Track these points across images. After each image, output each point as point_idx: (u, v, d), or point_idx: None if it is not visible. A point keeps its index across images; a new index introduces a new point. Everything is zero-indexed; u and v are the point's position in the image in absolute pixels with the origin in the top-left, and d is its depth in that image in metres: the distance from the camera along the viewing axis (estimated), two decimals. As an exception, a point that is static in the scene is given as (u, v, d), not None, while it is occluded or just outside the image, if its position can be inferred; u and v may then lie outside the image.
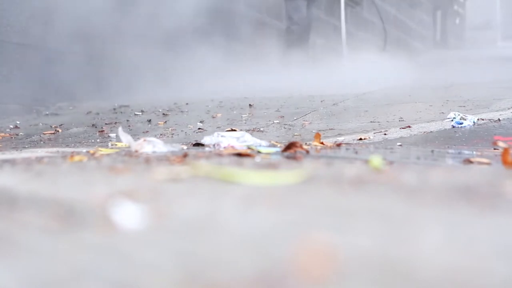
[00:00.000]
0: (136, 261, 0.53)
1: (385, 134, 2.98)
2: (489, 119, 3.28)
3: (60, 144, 3.07)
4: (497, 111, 3.62)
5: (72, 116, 4.97)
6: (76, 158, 1.52)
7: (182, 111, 4.77)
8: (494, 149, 2.17)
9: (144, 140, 1.81)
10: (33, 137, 3.64)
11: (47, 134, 3.79)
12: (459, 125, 3.12)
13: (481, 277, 0.47)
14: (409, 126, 3.16)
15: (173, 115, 4.58)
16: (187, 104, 5.21)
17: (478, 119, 3.25)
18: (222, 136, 2.09)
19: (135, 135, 3.20)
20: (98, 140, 3.26)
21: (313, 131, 2.98)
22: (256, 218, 0.71)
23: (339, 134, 3.09)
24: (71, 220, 0.70)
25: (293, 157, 1.57)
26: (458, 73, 6.48)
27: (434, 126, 3.16)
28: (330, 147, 2.12)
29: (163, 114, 4.66)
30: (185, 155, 1.54)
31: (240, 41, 7.56)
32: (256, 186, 0.96)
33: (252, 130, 3.32)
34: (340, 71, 6.97)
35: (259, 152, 1.77)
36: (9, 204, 0.82)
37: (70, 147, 2.65)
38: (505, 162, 1.39)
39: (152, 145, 1.78)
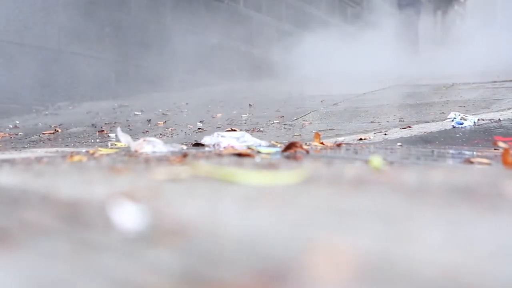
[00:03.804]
0: (136, 261, 0.52)
1: (385, 134, 2.98)
2: (490, 120, 3.27)
3: (60, 144, 3.06)
4: (497, 111, 3.62)
5: (71, 116, 4.97)
6: (76, 158, 1.52)
7: (182, 111, 4.77)
8: (494, 149, 2.17)
9: (144, 140, 1.80)
10: (32, 137, 3.64)
11: (47, 134, 3.79)
12: (460, 125, 3.12)
13: (481, 277, 0.47)
14: (409, 126, 3.16)
15: (173, 115, 4.57)
16: (187, 104, 5.21)
17: (478, 119, 3.25)
18: (222, 136, 2.09)
19: (134, 135, 3.19)
20: (97, 140, 3.26)
21: (313, 131, 2.98)
22: (256, 218, 0.71)
23: (339, 134, 3.09)
24: (70, 220, 0.70)
25: (293, 157, 1.57)
26: (458, 73, 6.49)
27: (434, 126, 3.16)
28: (330, 147, 2.12)
29: (163, 114, 4.65)
30: (185, 155, 1.54)
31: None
32: (256, 186, 0.96)
33: (252, 130, 3.32)
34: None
35: (259, 152, 1.76)
36: (8, 204, 0.82)
37: (69, 147, 2.64)
38: (505, 162, 1.39)
39: (152, 145, 1.77)
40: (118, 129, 1.91)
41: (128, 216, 0.69)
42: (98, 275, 0.49)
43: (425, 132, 3.00)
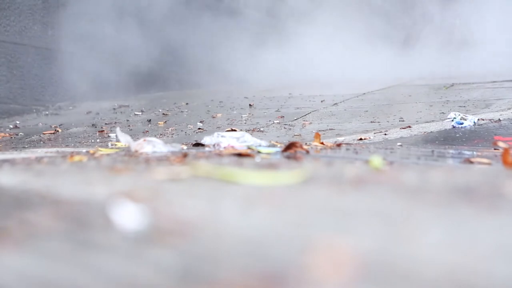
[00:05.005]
0: (137, 261, 0.52)
1: (385, 134, 2.98)
2: (490, 119, 3.27)
3: (60, 144, 3.06)
4: (497, 111, 3.62)
5: (72, 116, 4.97)
6: (76, 158, 1.52)
7: (182, 111, 4.77)
8: (495, 149, 2.17)
9: (144, 140, 1.80)
10: (32, 137, 3.64)
11: (47, 134, 3.79)
12: (460, 125, 3.12)
13: (481, 277, 0.47)
14: (409, 126, 3.16)
15: (173, 115, 4.58)
16: (187, 104, 5.21)
17: (478, 119, 3.25)
18: (222, 136, 2.09)
19: (135, 135, 3.20)
20: (98, 140, 3.26)
21: (313, 131, 2.98)
22: (256, 218, 0.71)
23: (339, 134, 3.09)
24: (70, 220, 0.70)
25: (293, 157, 1.57)
26: (458, 73, 6.49)
27: (434, 126, 3.16)
28: (330, 147, 2.12)
29: (163, 114, 4.66)
30: (185, 155, 1.54)
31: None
32: (256, 186, 0.96)
33: (252, 130, 3.32)
34: None
35: (259, 152, 1.76)
36: (8, 204, 0.82)
37: (70, 147, 2.65)
38: (505, 162, 1.39)
39: (152, 145, 1.78)
40: (118, 129, 1.91)
41: (128, 216, 0.69)
42: (98, 275, 0.49)
43: (425, 132, 3.00)
